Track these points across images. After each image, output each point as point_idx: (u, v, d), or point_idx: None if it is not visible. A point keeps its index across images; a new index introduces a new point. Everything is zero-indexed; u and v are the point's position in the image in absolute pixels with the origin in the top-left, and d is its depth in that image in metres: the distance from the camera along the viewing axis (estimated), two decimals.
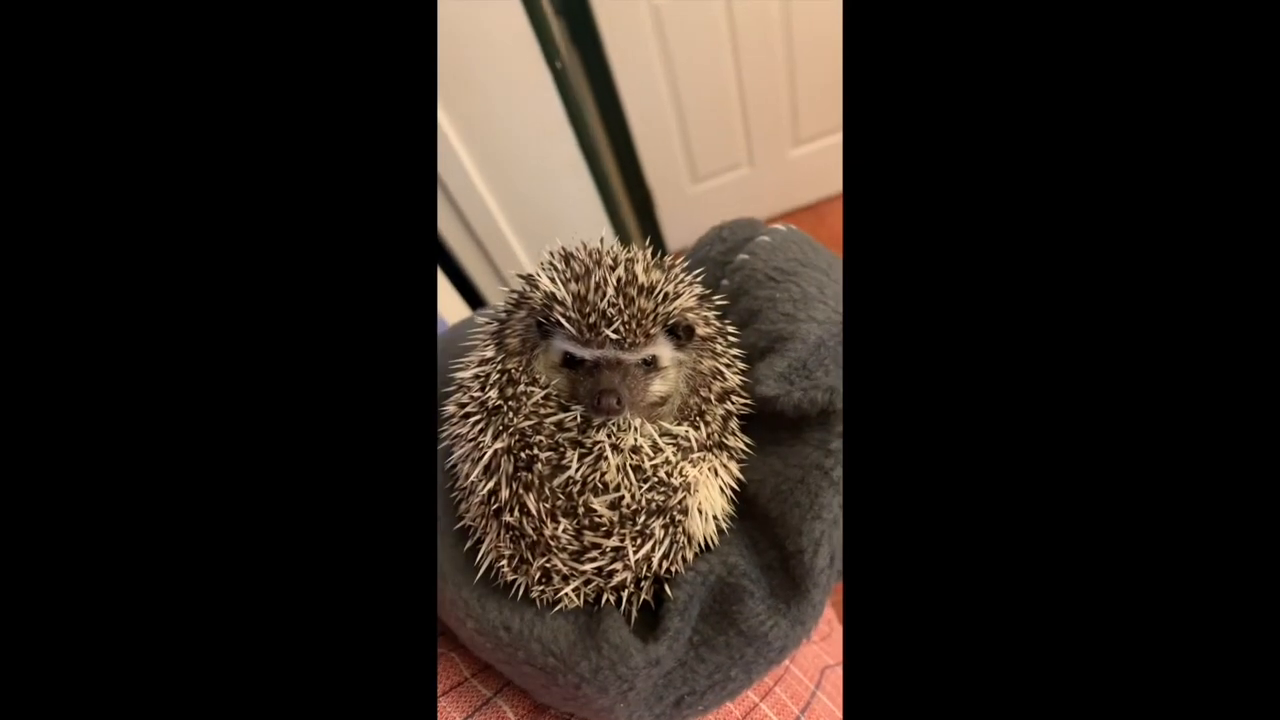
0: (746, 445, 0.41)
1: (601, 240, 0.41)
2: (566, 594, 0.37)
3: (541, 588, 0.37)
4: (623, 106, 1.90)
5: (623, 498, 0.36)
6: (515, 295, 0.42)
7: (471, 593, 0.39)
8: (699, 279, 0.44)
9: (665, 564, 0.37)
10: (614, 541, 0.36)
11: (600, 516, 0.36)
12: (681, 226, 2.22)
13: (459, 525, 0.41)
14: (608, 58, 1.80)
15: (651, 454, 0.37)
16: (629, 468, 0.36)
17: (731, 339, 0.42)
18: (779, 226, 0.47)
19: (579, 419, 0.37)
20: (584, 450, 0.37)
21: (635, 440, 0.37)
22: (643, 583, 0.38)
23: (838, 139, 2.10)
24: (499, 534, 0.38)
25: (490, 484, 0.38)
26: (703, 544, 0.39)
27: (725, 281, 0.46)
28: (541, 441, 0.37)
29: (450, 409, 0.41)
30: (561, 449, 0.37)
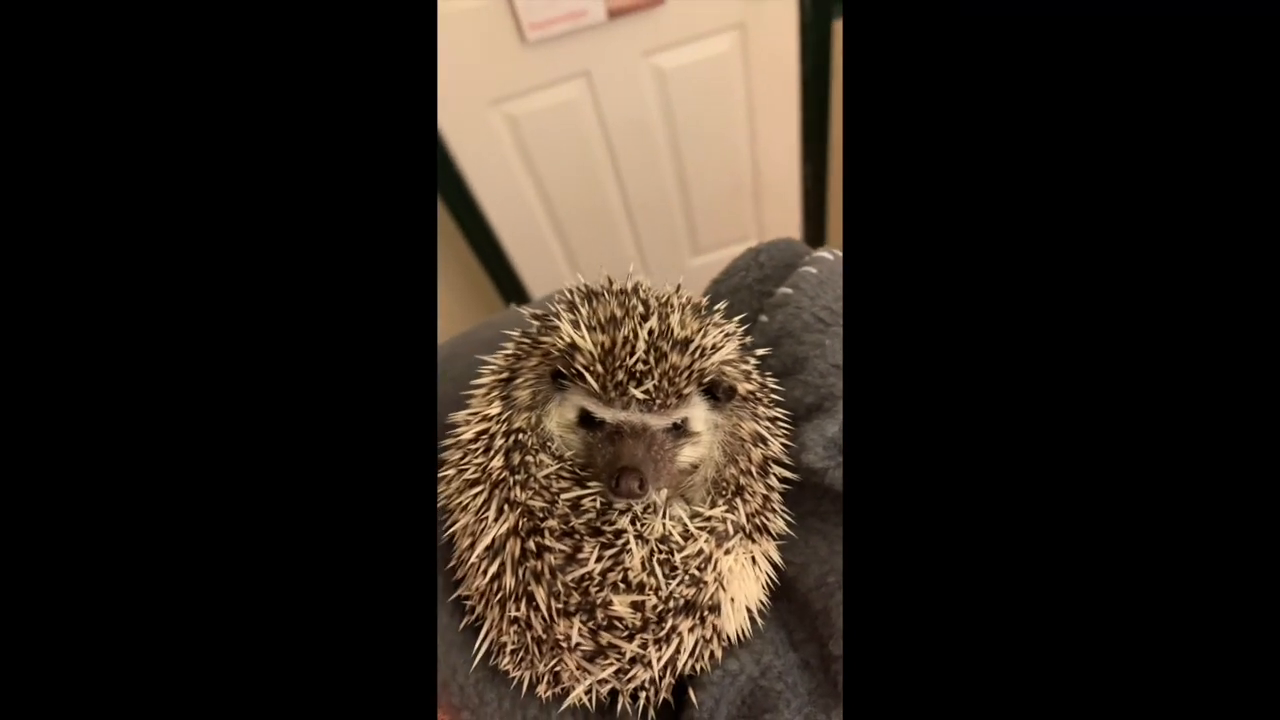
0: (788, 522, 0.35)
1: (629, 276, 0.36)
2: (577, 694, 0.32)
3: (549, 687, 0.32)
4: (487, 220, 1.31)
5: (647, 599, 0.31)
6: (527, 340, 0.36)
7: (469, 678, 0.34)
8: (742, 322, 0.37)
9: (691, 662, 0.33)
10: (635, 646, 0.31)
11: (621, 618, 0.31)
12: None
13: (454, 596, 0.35)
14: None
15: (681, 542, 0.32)
16: (655, 562, 0.31)
17: (775, 397, 0.36)
18: (826, 254, 0.40)
19: (598, 501, 0.32)
20: (604, 541, 0.31)
21: (664, 528, 0.32)
22: (663, 680, 0.33)
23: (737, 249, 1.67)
24: (502, 622, 0.32)
25: (494, 568, 0.32)
26: (734, 637, 0.34)
27: (764, 318, 0.39)
28: (554, 527, 0.31)
29: (448, 471, 0.35)
30: (577, 537, 0.31)
